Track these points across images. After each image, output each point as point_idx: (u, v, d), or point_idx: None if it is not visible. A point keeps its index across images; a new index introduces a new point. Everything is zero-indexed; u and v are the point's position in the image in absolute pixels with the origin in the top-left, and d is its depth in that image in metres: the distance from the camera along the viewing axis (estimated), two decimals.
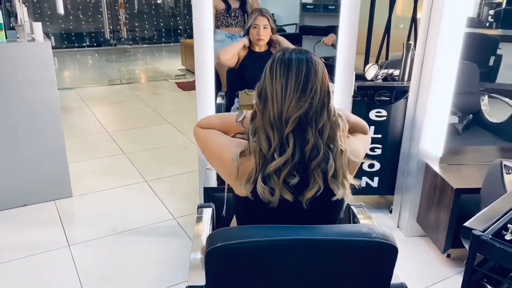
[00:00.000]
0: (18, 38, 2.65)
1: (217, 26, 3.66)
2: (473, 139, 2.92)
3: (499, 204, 1.26)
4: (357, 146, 1.28)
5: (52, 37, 8.92)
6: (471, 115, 3.07)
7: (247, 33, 2.95)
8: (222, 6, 3.66)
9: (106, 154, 3.69)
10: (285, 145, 1.13)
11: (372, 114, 2.56)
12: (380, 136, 2.61)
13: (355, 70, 2.63)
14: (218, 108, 2.73)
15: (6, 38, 2.54)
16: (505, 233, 1.08)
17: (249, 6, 3.63)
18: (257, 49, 2.96)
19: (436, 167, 2.33)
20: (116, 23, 8.92)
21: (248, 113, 1.26)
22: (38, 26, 2.67)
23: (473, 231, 1.09)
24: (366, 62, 3.96)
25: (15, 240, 2.46)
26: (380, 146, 2.64)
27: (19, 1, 3.26)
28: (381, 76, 2.59)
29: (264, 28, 2.89)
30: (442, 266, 2.27)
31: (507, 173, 1.85)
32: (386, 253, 1.08)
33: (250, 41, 2.97)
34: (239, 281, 1.10)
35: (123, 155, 3.67)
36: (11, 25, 3.05)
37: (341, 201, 1.23)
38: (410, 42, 2.50)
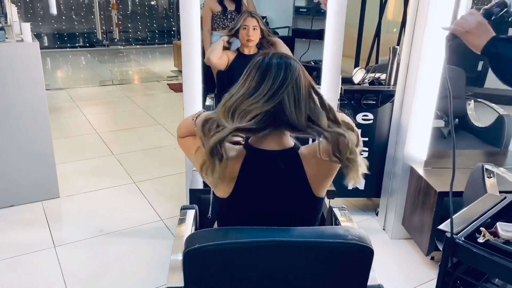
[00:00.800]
0: (6, 38, 2.64)
1: (213, 28, 3.67)
2: (458, 143, 2.94)
3: (475, 207, 1.28)
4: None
5: (45, 37, 8.89)
6: (457, 120, 3.10)
7: (235, 34, 2.96)
8: (218, 8, 3.67)
9: (95, 155, 3.69)
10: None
11: (359, 118, 2.59)
12: (366, 139, 2.63)
13: (344, 74, 2.66)
14: (207, 110, 2.74)
15: None
16: (478, 236, 1.10)
17: (244, 9, 3.64)
18: (246, 52, 2.97)
19: (420, 171, 2.36)
20: (109, 23, 8.89)
21: (205, 112, 1.25)
22: (26, 26, 2.66)
23: (446, 234, 1.11)
24: (356, 65, 3.99)
25: (0, 241, 2.45)
26: (366, 149, 2.66)
27: (8, 1, 3.25)
28: (368, 80, 2.61)
29: (254, 29, 2.89)
30: (426, 268, 2.29)
31: (488, 177, 1.88)
32: (362, 255, 1.09)
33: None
34: (218, 282, 1.11)
35: (112, 156, 3.67)
36: (0, 25, 3.03)
37: (319, 201, 1.24)
38: (396, 46, 2.52)
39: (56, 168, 2.92)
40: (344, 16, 2.12)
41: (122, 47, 9.32)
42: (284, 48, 3.00)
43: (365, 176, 2.78)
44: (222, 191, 1.19)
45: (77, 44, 9.18)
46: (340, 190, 2.73)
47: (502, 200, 1.37)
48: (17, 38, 2.70)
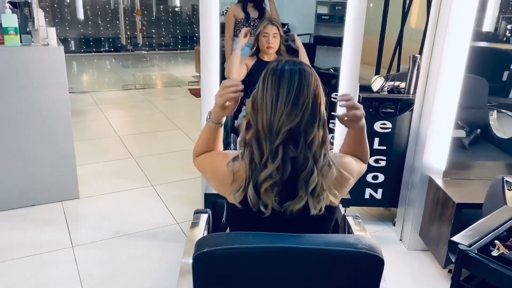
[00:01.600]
0: (33, 42, 2.72)
1: (236, 35, 3.70)
2: (480, 154, 2.88)
3: (490, 220, 1.25)
4: (350, 161, 1.29)
5: (72, 42, 9.13)
6: (478, 130, 3.04)
7: (256, 42, 2.97)
8: (241, 15, 3.71)
9: (115, 157, 3.75)
10: (275, 156, 1.14)
11: (377, 126, 2.56)
12: (384, 148, 2.61)
13: (364, 81, 2.64)
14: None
15: (21, 42, 2.61)
16: (492, 249, 1.07)
17: (267, 16, 3.66)
18: (265, 58, 2.98)
19: (439, 181, 2.31)
20: (133, 29, 9.08)
21: (214, 110, 1.28)
22: (52, 31, 2.75)
23: (459, 246, 1.08)
24: (377, 73, 3.96)
25: (20, 239, 2.52)
26: (384, 158, 2.63)
27: (36, 6, 3.35)
28: (387, 88, 2.59)
29: (274, 36, 2.91)
30: (443, 281, 2.24)
31: (508, 189, 1.83)
32: (372, 264, 1.08)
33: (258, 49, 2.99)
34: (226, 287, 1.11)
35: (131, 159, 3.72)
36: (28, 29, 3.12)
37: (332, 210, 1.24)
38: (416, 55, 2.49)
39: (77, 170, 2.99)
40: (363, 23, 2.11)
41: (145, 52, 9.49)
42: (304, 55, 3.01)
43: (382, 186, 2.75)
44: (234, 197, 1.19)
45: (102, 49, 9.39)
46: (357, 198, 2.73)
47: None
48: (43, 42, 2.78)
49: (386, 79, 2.61)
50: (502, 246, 1.05)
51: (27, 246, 2.44)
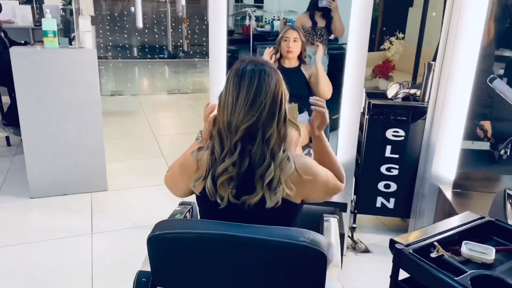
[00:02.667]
0: (70, 45, 2.98)
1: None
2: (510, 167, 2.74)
3: (444, 223, 1.22)
4: (311, 163, 1.30)
5: (133, 49, 9.68)
6: (510, 144, 2.89)
7: (278, 47, 3.01)
8: (309, 24, 3.77)
9: (147, 155, 3.96)
10: (233, 151, 1.21)
11: (389, 133, 2.52)
12: (397, 156, 2.56)
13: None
14: None
15: (59, 44, 2.87)
16: (432, 251, 1.05)
17: (332, 26, 3.71)
18: (286, 64, 3.02)
19: (447, 192, 2.25)
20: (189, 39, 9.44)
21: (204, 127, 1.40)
22: (88, 35, 2.99)
23: (395, 245, 1.07)
24: (414, 81, 3.87)
25: (46, 224, 2.75)
26: (397, 166, 2.58)
27: (81, 14, 3.65)
28: (402, 95, 2.55)
29: (294, 41, 2.96)
30: None
31: (510, 203, 1.76)
32: (313, 258, 1.10)
33: (281, 55, 3.05)
34: (176, 269, 1.19)
35: (161, 157, 3.91)
36: (72, 34, 3.41)
37: (291, 205, 1.26)
38: (431, 62, 2.44)
39: (110, 165, 3.22)
40: (368, 30, 2.11)
41: (196, 59, 9.85)
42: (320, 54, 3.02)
43: (394, 195, 2.69)
44: (194, 185, 1.27)
45: (156, 56, 9.86)
46: (367, 207, 2.71)
47: (479, 219, 1.29)
48: (80, 46, 3.03)
49: (402, 86, 2.57)
50: (441, 248, 1.03)
51: (51, 231, 2.66)
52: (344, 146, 2.30)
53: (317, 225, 1.62)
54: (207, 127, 1.38)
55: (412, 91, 2.59)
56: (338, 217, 1.62)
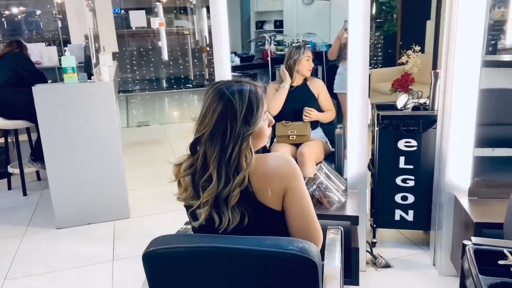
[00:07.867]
0: (90, 79, 3.14)
1: (343, 58, 3.80)
2: None
3: None
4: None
5: (161, 81, 10.02)
6: None
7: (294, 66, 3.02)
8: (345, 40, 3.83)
9: (170, 181, 4.03)
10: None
11: (401, 144, 2.49)
12: (411, 167, 2.52)
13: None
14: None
15: (78, 79, 3.03)
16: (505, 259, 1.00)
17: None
18: (294, 83, 3.06)
19: (464, 200, 2.18)
20: (210, 67, 9.69)
21: None
22: (105, 69, 3.14)
23: (463, 241, 1.05)
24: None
25: (72, 253, 2.84)
26: (412, 177, 2.53)
27: (102, 50, 3.84)
28: (412, 105, 2.53)
29: (310, 59, 3.02)
30: None
31: None
32: (303, 266, 1.10)
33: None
34: (171, 285, 1.21)
35: None
36: (94, 69, 3.57)
37: (270, 211, 1.26)
38: (438, 70, 2.42)
39: (133, 193, 3.33)
40: (368, 47, 2.12)
41: None
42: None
43: (412, 207, 2.63)
44: (183, 199, 1.32)
45: (182, 86, 10.14)
46: (386, 220, 2.65)
47: None
48: (98, 79, 3.18)
49: (411, 96, 2.55)
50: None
51: (75, 259, 2.74)
52: (352, 159, 2.28)
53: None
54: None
55: (422, 100, 2.57)
56: (341, 228, 1.61)
